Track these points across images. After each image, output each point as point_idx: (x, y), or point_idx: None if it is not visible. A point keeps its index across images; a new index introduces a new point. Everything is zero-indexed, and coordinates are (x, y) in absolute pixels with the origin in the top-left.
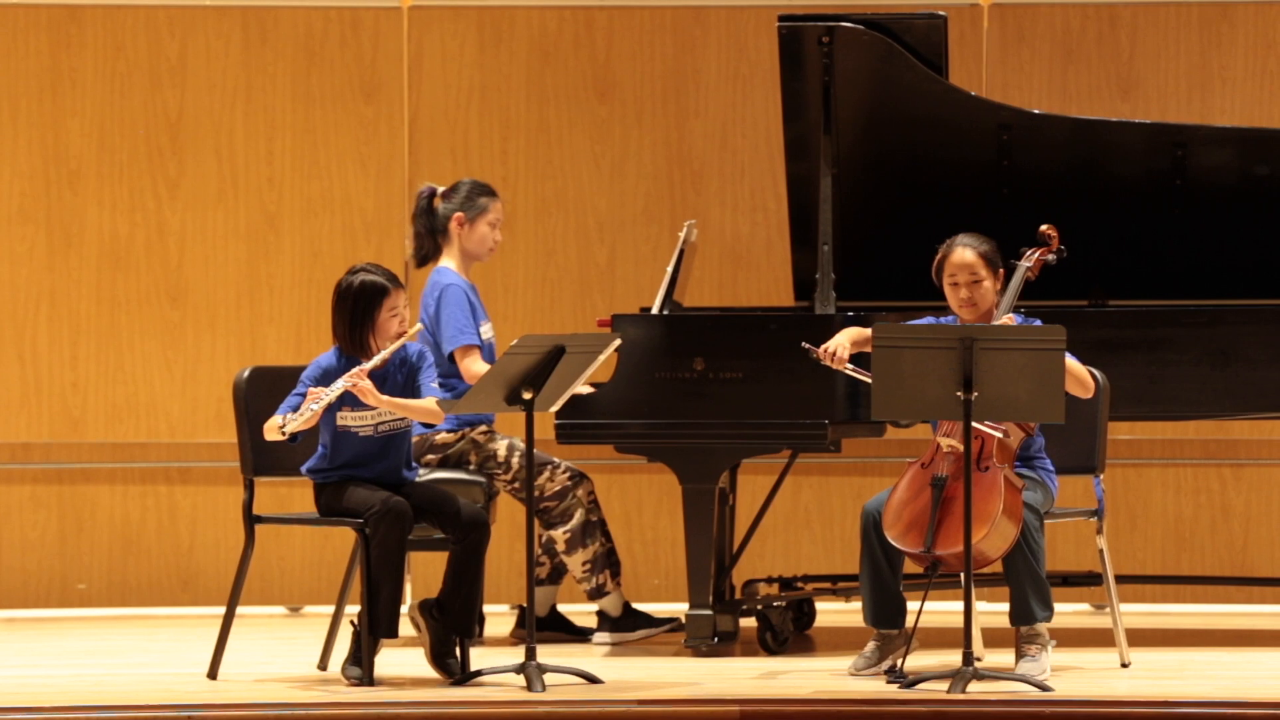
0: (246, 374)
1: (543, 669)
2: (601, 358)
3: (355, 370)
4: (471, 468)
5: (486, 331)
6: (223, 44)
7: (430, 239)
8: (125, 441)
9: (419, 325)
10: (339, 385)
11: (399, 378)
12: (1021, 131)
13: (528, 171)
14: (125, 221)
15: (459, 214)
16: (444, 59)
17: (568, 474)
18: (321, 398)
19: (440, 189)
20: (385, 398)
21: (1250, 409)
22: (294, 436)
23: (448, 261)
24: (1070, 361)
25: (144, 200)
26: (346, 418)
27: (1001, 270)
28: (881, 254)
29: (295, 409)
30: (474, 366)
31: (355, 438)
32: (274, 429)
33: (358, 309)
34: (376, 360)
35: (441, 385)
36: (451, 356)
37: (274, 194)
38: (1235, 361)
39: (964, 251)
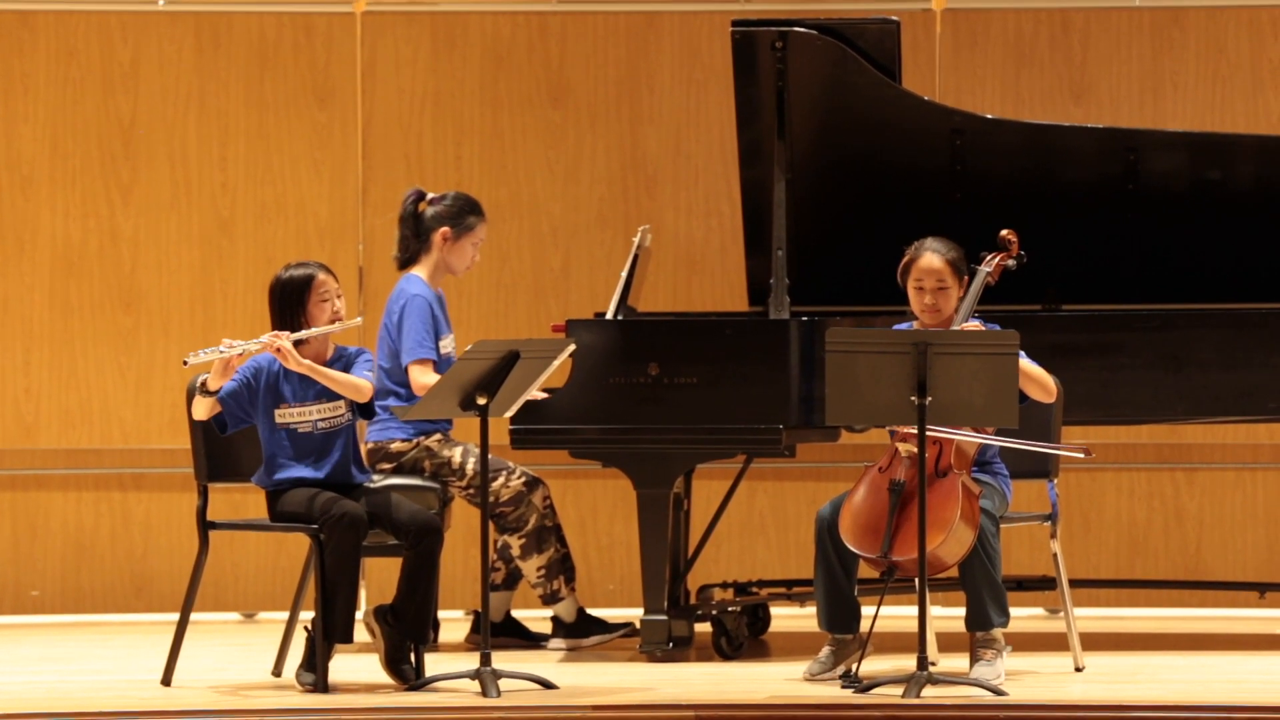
0: (200, 380)
1: (498, 674)
2: (556, 363)
3: (279, 332)
4: (426, 475)
5: (447, 345)
6: (176, 49)
7: (416, 242)
8: (78, 448)
9: (358, 319)
10: (261, 339)
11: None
12: (974, 136)
13: (481, 176)
14: (78, 227)
15: (446, 229)
16: (397, 64)
17: (523, 479)
18: (235, 346)
19: (428, 194)
20: (306, 362)
21: (1202, 413)
22: (222, 426)
23: (419, 270)
24: (1030, 365)
25: (97, 206)
26: (286, 414)
27: (966, 277)
28: (836, 258)
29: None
30: (422, 378)
31: (295, 434)
32: (198, 403)
33: (285, 300)
34: (304, 333)
35: (400, 396)
36: (408, 368)
37: (227, 199)
38: (1187, 365)
39: (933, 258)
